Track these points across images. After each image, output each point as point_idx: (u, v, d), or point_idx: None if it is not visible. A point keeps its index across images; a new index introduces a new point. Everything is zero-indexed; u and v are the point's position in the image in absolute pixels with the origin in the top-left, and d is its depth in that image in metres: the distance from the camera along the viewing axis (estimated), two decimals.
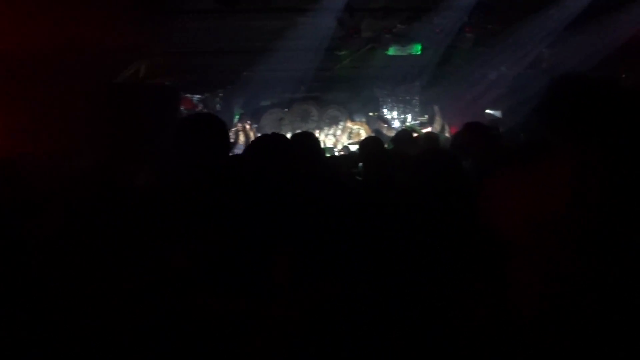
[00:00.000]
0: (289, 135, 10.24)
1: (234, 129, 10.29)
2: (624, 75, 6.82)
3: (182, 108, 8.26)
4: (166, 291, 1.18)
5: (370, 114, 12.01)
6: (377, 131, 10.12)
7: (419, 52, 8.02)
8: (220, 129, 2.13)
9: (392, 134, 10.06)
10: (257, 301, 1.27)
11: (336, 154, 9.37)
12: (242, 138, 10.10)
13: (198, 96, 10.69)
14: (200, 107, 10.45)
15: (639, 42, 7.07)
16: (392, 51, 7.62)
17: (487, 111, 10.74)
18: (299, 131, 3.92)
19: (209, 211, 1.56)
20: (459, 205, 2.08)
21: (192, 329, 1.16)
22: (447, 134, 9.77)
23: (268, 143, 2.63)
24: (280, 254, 1.56)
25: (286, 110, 12.02)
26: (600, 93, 1.09)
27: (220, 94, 10.67)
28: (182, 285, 1.17)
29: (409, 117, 11.53)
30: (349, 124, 11.51)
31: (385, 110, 12.13)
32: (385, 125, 10.54)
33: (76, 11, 4.76)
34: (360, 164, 4.73)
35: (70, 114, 5.38)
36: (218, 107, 10.68)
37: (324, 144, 10.81)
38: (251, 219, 1.78)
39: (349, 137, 11.32)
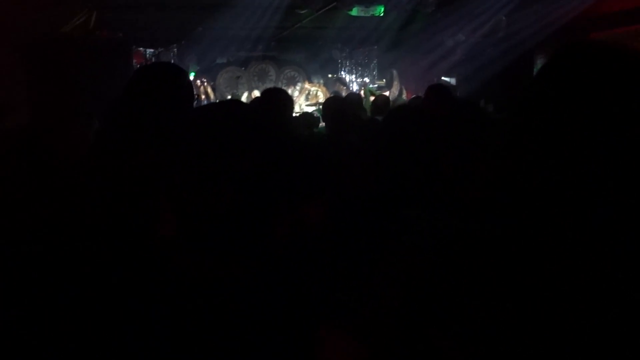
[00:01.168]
0: (245, 94, 10.06)
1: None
2: None
3: (134, 62, 7.89)
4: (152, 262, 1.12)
5: (329, 75, 11.91)
6: (336, 93, 10.05)
7: (382, 14, 7.94)
8: (182, 79, 1.84)
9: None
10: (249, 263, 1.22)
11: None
12: (202, 96, 9.85)
13: (151, 50, 10.27)
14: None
15: (595, 13, 7.24)
16: (355, 11, 7.51)
17: (443, 78, 10.87)
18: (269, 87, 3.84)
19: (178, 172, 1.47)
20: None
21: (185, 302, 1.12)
22: (404, 98, 9.84)
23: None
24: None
25: (243, 69, 11.75)
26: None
27: (175, 50, 10.28)
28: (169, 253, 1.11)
29: (367, 79, 11.52)
30: (307, 85, 11.38)
31: (343, 73, 12.06)
32: (344, 88, 10.48)
33: None
34: (322, 123, 4.71)
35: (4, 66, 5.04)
36: (172, 62, 10.31)
37: None
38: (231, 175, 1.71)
39: (307, 99, 11.22)
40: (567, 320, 0.82)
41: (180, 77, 1.83)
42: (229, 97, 10.38)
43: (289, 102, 3.71)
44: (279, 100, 3.47)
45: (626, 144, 0.79)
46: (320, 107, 5.94)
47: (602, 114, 0.81)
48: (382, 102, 5.66)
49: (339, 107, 4.21)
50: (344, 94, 10.12)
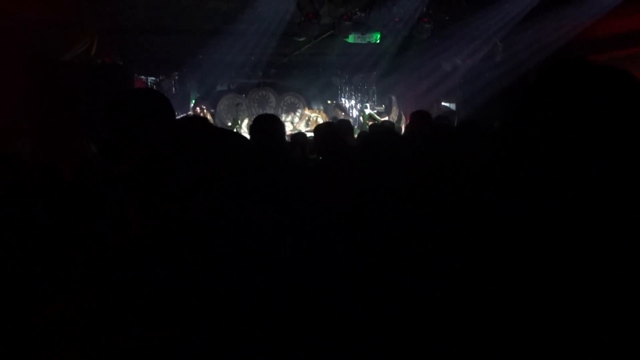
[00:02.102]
0: (246, 121, 10.14)
1: (190, 113, 10.10)
2: None
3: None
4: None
5: (329, 101, 12.03)
6: (335, 119, 10.15)
7: (378, 41, 8.07)
8: (162, 104, 1.87)
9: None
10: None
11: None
12: None
13: (153, 78, 10.41)
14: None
15: (589, 36, 7.34)
16: (351, 39, 7.63)
17: (443, 103, 10.96)
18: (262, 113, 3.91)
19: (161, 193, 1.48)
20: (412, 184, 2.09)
21: None
22: (402, 124, 9.91)
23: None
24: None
25: (243, 95, 11.88)
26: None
27: (176, 77, 10.42)
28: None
29: (368, 105, 11.62)
30: (307, 112, 11.49)
31: (342, 99, 12.17)
32: (343, 113, 10.58)
33: None
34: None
35: (7, 91, 5.12)
36: (173, 90, 10.44)
37: None
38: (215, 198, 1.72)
39: (307, 125, 11.31)
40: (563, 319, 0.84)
41: (154, 101, 1.87)
42: (229, 123, 10.48)
43: (281, 127, 3.78)
44: (270, 126, 3.55)
45: (611, 146, 0.84)
46: None
47: (588, 121, 0.86)
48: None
49: (328, 133, 4.26)
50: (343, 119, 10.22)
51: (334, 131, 4.42)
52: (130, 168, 1.39)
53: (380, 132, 2.59)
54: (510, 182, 0.97)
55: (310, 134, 9.60)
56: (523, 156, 0.93)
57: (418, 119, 5.18)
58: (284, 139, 3.77)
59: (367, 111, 10.62)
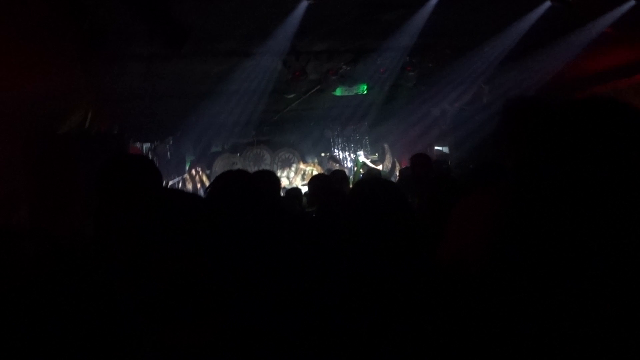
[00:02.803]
0: None
1: (184, 176, 10.18)
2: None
3: None
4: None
5: (322, 154, 12.16)
6: (330, 171, 10.23)
7: (365, 92, 8.26)
8: (148, 166, 1.95)
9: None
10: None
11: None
12: (189, 186, 9.98)
13: (147, 144, 10.56)
14: (150, 156, 10.30)
15: (569, 76, 7.54)
16: (339, 92, 7.82)
17: (436, 147, 11.09)
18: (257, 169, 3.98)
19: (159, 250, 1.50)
20: (405, 234, 2.08)
21: None
22: (396, 171, 9.98)
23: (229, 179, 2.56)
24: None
25: (238, 154, 12.02)
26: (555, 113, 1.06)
27: (171, 141, 10.58)
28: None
29: (361, 153, 11.75)
30: (302, 166, 11.59)
31: (336, 150, 12.32)
32: (337, 165, 10.67)
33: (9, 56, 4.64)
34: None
35: (4, 164, 5.18)
36: (168, 155, 10.57)
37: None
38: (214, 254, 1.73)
39: (303, 179, 11.38)
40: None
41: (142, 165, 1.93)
42: None
43: (276, 182, 3.85)
44: (267, 181, 3.62)
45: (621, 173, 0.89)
46: None
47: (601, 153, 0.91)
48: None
49: (322, 184, 4.32)
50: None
51: (328, 182, 4.48)
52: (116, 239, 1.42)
53: (368, 181, 2.61)
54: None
55: (305, 189, 9.68)
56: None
57: (420, 162, 5.22)
58: (279, 193, 3.82)
59: (361, 159, 10.73)
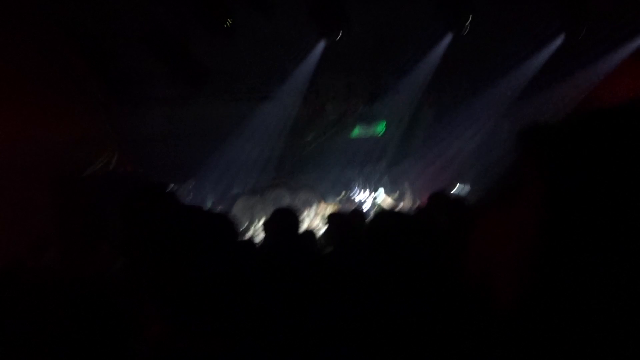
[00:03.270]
0: (262, 220, 10.14)
1: None
2: None
3: None
4: None
5: (342, 194, 12.14)
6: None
7: (383, 131, 8.32)
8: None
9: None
10: None
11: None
12: None
13: (171, 185, 10.66)
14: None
15: (589, 106, 7.50)
16: (356, 132, 7.89)
17: (458, 185, 11.00)
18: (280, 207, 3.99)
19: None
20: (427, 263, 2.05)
21: None
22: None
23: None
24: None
25: (258, 196, 12.04)
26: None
27: (193, 184, 10.67)
28: None
29: (381, 190, 11.69)
30: (322, 206, 11.56)
31: (356, 191, 12.29)
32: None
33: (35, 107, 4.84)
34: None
35: (35, 208, 5.29)
36: (190, 197, 10.65)
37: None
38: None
39: (322, 220, 11.32)
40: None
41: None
42: (246, 225, 10.55)
43: (295, 220, 3.86)
44: (285, 220, 3.65)
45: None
46: None
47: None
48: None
49: (341, 222, 4.29)
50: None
51: (347, 220, 4.45)
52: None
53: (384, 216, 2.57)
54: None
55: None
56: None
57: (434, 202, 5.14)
58: (297, 230, 3.81)
59: (382, 196, 10.67)
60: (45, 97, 5.20)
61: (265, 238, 4.10)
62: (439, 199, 5.07)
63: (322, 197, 12.17)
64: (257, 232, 9.32)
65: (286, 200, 12.09)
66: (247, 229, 10.23)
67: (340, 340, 1.81)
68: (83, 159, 6.32)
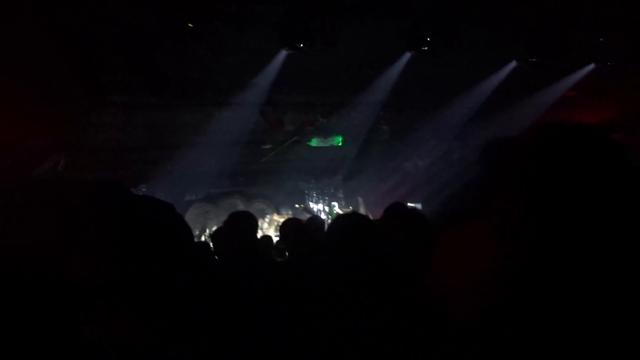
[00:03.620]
0: (214, 229, 9.99)
1: None
2: None
3: None
4: None
5: (297, 205, 12.17)
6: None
7: (340, 144, 8.42)
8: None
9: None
10: None
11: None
12: None
13: None
14: None
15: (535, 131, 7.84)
16: (314, 142, 7.96)
17: (409, 204, 11.21)
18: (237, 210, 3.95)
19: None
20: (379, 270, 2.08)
21: None
22: None
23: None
24: None
25: (212, 204, 11.92)
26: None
27: (144, 189, 10.45)
28: None
29: (336, 205, 11.79)
30: (276, 217, 11.54)
31: (311, 203, 12.34)
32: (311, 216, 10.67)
33: None
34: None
35: None
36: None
37: None
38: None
39: (276, 230, 11.30)
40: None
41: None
42: (197, 232, 10.40)
43: (254, 223, 3.83)
44: (243, 223, 3.61)
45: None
46: None
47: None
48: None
49: (295, 229, 4.32)
50: None
51: (301, 227, 4.47)
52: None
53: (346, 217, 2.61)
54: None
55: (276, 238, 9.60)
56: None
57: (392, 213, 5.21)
58: (256, 234, 3.80)
59: (336, 210, 10.77)
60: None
61: (219, 245, 4.06)
62: (397, 210, 5.13)
63: (277, 208, 12.16)
64: (207, 240, 9.19)
65: (240, 209, 12.00)
66: (199, 236, 10.09)
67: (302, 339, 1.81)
68: (30, 161, 6.10)
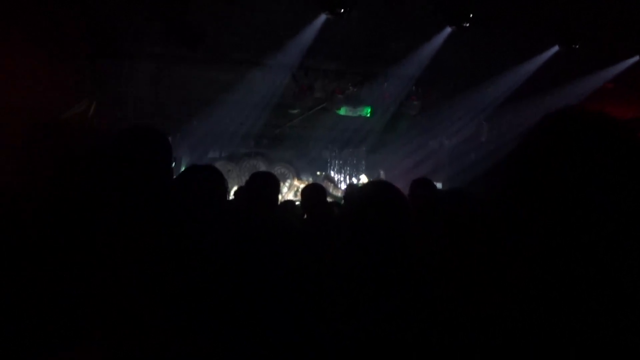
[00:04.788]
0: (235, 188, 10.11)
1: None
2: None
3: None
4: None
5: (318, 173, 12.20)
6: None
7: (369, 115, 8.34)
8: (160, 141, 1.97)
9: (338, 193, 10.21)
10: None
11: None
12: None
13: None
14: None
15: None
16: (343, 111, 7.90)
17: None
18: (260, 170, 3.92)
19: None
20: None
21: None
22: None
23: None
24: None
25: (234, 164, 12.03)
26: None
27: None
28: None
29: (363, 176, 11.79)
30: (296, 182, 11.60)
31: (332, 172, 12.36)
32: (332, 185, 10.70)
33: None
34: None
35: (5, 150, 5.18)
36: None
37: None
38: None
39: (295, 195, 11.37)
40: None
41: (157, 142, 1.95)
42: None
43: (275, 185, 3.82)
44: (266, 183, 3.58)
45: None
46: None
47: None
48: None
49: (314, 193, 4.30)
50: (331, 190, 10.32)
51: (322, 192, 4.47)
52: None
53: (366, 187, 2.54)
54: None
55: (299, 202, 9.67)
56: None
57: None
58: (277, 196, 3.80)
59: (362, 182, 10.77)
60: (28, 44, 5.07)
61: (239, 203, 4.07)
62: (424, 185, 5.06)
63: (297, 174, 12.22)
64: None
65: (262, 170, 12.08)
66: None
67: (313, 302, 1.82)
68: (61, 104, 6.19)
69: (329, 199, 5.20)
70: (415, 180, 4.99)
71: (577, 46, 5.87)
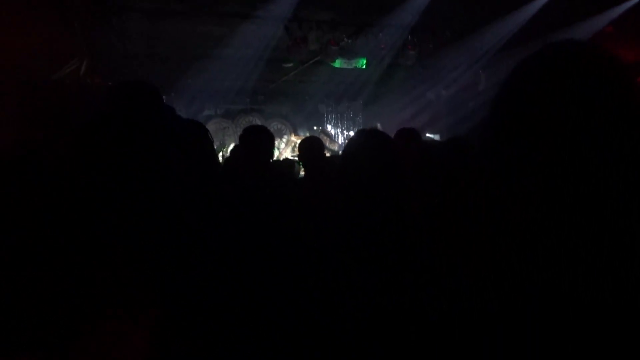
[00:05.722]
0: (232, 145, 10.13)
1: None
2: None
3: None
4: None
5: (315, 128, 12.16)
6: None
7: (364, 66, 8.24)
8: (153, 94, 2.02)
9: (335, 147, 10.22)
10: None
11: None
12: None
13: None
14: None
15: None
16: (338, 63, 7.79)
17: (427, 135, 11.11)
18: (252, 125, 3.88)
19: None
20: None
21: None
22: None
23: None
24: None
25: (230, 120, 11.97)
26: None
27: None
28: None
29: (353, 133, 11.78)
30: (293, 138, 11.57)
31: (329, 126, 12.32)
32: (329, 139, 10.68)
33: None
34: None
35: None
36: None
37: None
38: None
39: (293, 151, 11.37)
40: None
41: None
42: (215, 147, 10.51)
43: (270, 139, 3.80)
44: (259, 138, 3.56)
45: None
46: None
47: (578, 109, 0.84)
48: None
49: (312, 146, 4.28)
50: (328, 144, 10.32)
51: (320, 145, 4.46)
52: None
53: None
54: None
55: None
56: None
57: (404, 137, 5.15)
58: (272, 150, 3.79)
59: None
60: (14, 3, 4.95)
61: (236, 162, 4.07)
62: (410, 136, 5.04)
63: (294, 129, 12.18)
64: (225, 156, 9.31)
65: None
66: (217, 151, 10.21)
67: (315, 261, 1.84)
68: (52, 63, 6.09)
69: (327, 154, 5.19)
70: (399, 130, 4.90)
71: None
